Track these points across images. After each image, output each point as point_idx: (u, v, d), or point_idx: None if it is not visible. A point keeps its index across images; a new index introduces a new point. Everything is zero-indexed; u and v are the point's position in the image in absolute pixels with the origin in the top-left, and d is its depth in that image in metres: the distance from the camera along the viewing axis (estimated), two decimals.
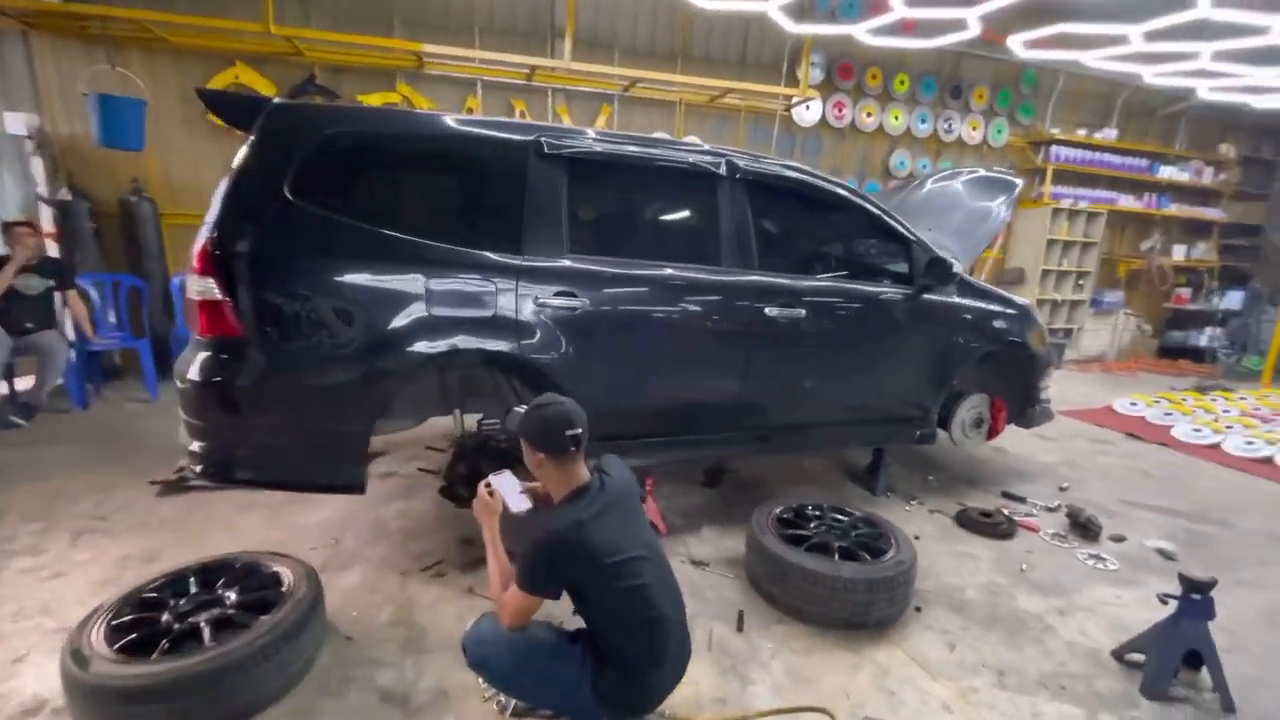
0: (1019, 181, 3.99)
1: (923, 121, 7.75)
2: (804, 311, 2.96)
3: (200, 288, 2.15)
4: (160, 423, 4.26)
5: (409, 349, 2.30)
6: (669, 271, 2.74)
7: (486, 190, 2.54)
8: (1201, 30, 5.20)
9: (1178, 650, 2.15)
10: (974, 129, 8.01)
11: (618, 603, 1.63)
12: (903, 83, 7.52)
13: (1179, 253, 9.33)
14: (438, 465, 3.76)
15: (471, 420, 3.10)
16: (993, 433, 3.89)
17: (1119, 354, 9.03)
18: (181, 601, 2.00)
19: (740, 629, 2.37)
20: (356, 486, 2.34)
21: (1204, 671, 2.21)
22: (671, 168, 2.79)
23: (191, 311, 2.22)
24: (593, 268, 2.59)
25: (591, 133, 2.72)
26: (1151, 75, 6.67)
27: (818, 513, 2.86)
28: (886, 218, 3.22)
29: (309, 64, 5.55)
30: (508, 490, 1.90)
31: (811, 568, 2.39)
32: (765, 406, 3.06)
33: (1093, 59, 6.39)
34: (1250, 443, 4.86)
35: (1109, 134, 8.56)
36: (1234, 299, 9.23)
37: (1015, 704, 2.08)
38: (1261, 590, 2.87)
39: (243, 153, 2.23)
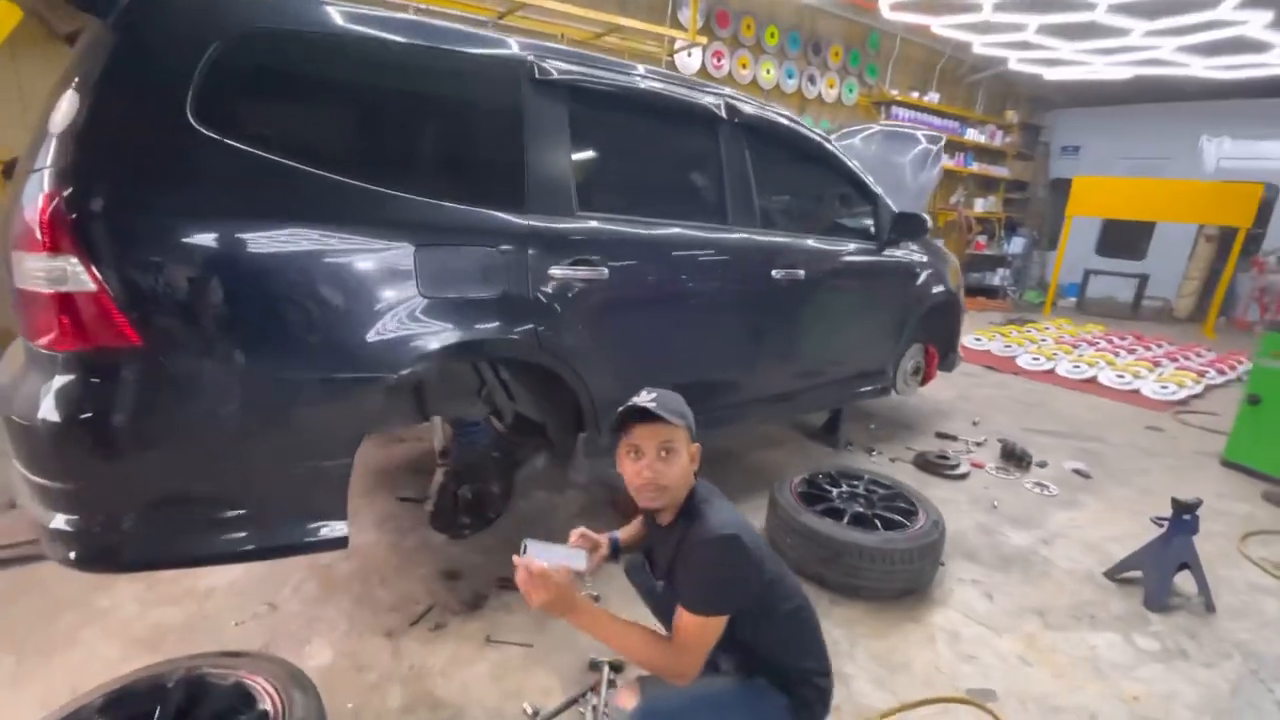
0: (922, 135, 4.15)
1: (790, 76, 7.92)
2: (803, 273, 2.77)
3: (48, 272, 1.33)
4: None
5: (405, 345, 1.68)
6: (695, 233, 2.37)
7: (475, 126, 1.92)
8: (1035, 4, 5.85)
9: (1172, 565, 2.42)
10: (830, 86, 8.39)
11: (771, 603, 1.40)
12: (773, 35, 7.57)
13: (979, 205, 10.88)
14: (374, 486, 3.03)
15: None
16: (926, 379, 4.13)
17: None
18: None
19: None
20: (339, 540, 1.70)
21: (1174, 580, 2.52)
22: (676, 105, 2.38)
23: (34, 310, 1.37)
24: (612, 227, 2.12)
25: (583, 54, 2.18)
26: (980, 44, 7.46)
27: (829, 481, 2.77)
28: (857, 170, 3.13)
29: None
30: (556, 558, 1.41)
31: (867, 544, 2.28)
32: (765, 376, 2.85)
33: (940, 25, 6.95)
34: (1076, 366, 5.82)
35: (933, 97, 9.53)
36: (1017, 244, 11.07)
37: (1070, 641, 2.19)
38: (1160, 495, 3.37)
39: (101, 54, 1.38)
